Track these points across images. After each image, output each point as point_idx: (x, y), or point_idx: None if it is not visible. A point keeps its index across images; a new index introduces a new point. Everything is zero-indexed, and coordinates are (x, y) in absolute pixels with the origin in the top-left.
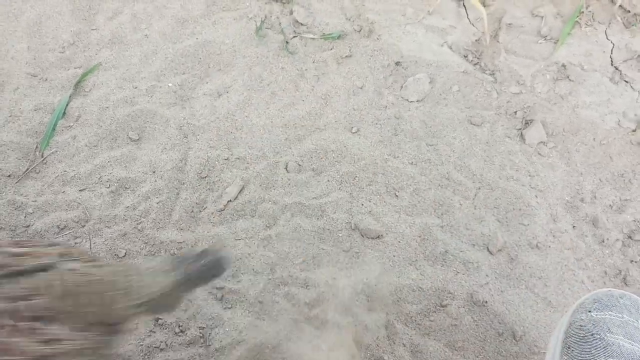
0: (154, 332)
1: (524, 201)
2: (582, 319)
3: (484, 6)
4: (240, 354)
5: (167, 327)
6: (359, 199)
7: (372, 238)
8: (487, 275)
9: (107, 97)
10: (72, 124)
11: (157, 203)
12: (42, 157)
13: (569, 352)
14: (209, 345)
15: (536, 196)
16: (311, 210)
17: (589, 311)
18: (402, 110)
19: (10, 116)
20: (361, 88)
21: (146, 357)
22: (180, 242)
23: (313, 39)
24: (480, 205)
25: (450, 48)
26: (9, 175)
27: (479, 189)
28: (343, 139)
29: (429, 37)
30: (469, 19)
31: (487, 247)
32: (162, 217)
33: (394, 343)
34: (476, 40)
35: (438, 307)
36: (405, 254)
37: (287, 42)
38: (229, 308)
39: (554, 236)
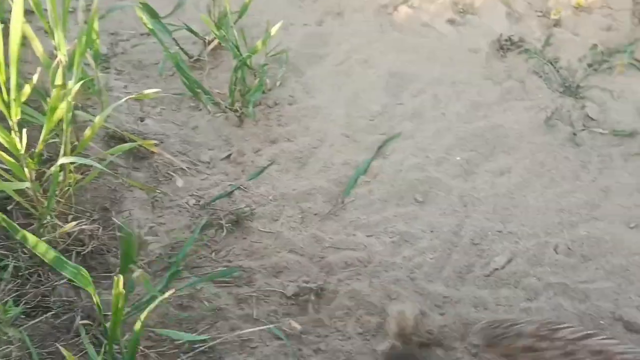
0: None
1: None
2: None
3: None
4: None
5: None
6: (628, 292)
7: (637, 332)
8: None
9: (402, 161)
10: (370, 180)
11: (431, 259)
12: (343, 203)
13: None
14: None
15: None
16: (575, 293)
17: None
18: None
19: (323, 167)
20: None
21: None
22: (446, 297)
23: (602, 134)
24: None
25: None
26: (315, 214)
27: None
28: (619, 232)
29: None
30: None
31: None
32: (433, 272)
33: None
34: None
35: None
36: None
37: (574, 134)
38: None
39: None
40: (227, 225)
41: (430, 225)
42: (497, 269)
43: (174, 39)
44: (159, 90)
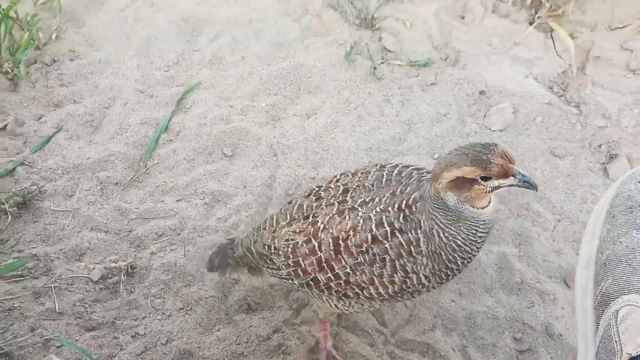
0: None
1: None
2: (630, 189)
3: (572, 38)
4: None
5: None
6: None
7: None
8: (563, 308)
9: (205, 114)
10: (172, 138)
11: (247, 216)
12: (146, 167)
13: (613, 220)
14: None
15: None
16: None
17: (639, 182)
18: (485, 138)
19: (119, 128)
20: (445, 115)
21: None
22: None
23: (400, 65)
24: (559, 237)
25: (536, 79)
26: (116, 183)
27: (559, 221)
28: (425, 164)
29: (515, 67)
30: (555, 50)
31: (565, 280)
32: (250, 230)
33: None
34: (562, 72)
35: (512, 339)
36: (482, 281)
37: (374, 68)
38: None
39: None
40: (12, 209)
41: (243, 180)
42: None
43: None
44: None
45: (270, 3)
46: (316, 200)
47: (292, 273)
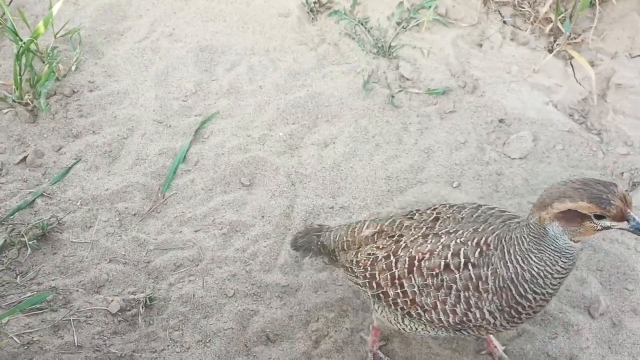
0: None
1: (629, 265)
2: None
3: (592, 66)
4: None
5: None
6: None
7: None
8: (587, 339)
9: (223, 144)
10: (190, 168)
11: (265, 247)
12: (164, 198)
13: None
14: None
15: None
16: None
17: None
18: (504, 167)
19: (137, 159)
20: (464, 143)
21: None
22: (285, 286)
23: (418, 93)
24: (582, 266)
25: (555, 106)
26: (134, 214)
27: (581, 249)
28: (444, 193)
29: (534, 95)
30: (575, 78)
31: (589, 310)
32: (268, 261)
33: None
34: (582, 100)
35: None
36: None
37: (392, 96)
38: None
39: None
40: (31, 241)
41: (261, 210)
42: None
43: None
44: None
45: (287, 33)
46: (407, 221)
47: (367, 284)
